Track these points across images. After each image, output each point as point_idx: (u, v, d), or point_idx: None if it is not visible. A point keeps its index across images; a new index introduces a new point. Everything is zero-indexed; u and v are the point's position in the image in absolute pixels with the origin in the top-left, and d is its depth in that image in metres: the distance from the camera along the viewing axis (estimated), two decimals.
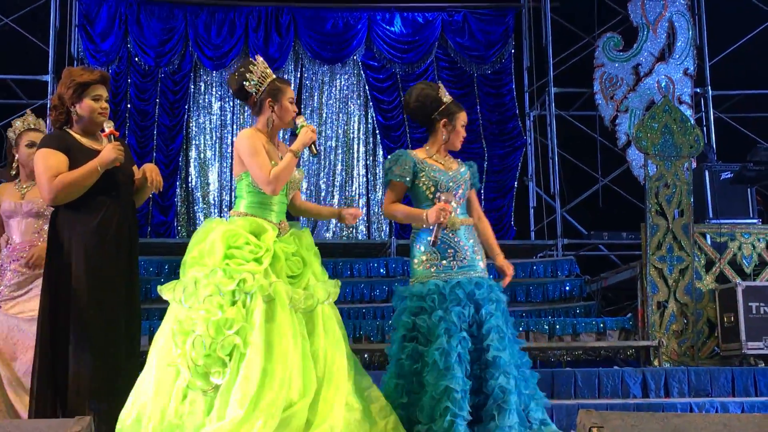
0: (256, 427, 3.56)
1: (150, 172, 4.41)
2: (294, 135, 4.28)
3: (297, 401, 3.74)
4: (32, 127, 5.01)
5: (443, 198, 4.31)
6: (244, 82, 4.19)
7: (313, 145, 4.21)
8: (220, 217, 8.39)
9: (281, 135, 4.91)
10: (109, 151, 4.20)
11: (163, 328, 3.90)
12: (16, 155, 4.96)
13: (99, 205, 4.25)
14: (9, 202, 4.82)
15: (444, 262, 4.35)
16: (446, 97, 4.53)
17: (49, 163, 4.21)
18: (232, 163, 11.70)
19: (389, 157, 4.62)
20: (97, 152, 4.26)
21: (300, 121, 4.25)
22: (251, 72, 4.19)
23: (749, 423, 2.65)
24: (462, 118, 4.55)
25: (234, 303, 3.81)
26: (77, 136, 4.36)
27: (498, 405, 4.08)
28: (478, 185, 4.75)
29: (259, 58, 4.29)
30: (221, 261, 3.89)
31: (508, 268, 4.58)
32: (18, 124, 5.04)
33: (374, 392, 4.09)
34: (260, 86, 4.20)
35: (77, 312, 4.10)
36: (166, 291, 3.95)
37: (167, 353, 3.77)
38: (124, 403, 3.87)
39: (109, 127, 4.29)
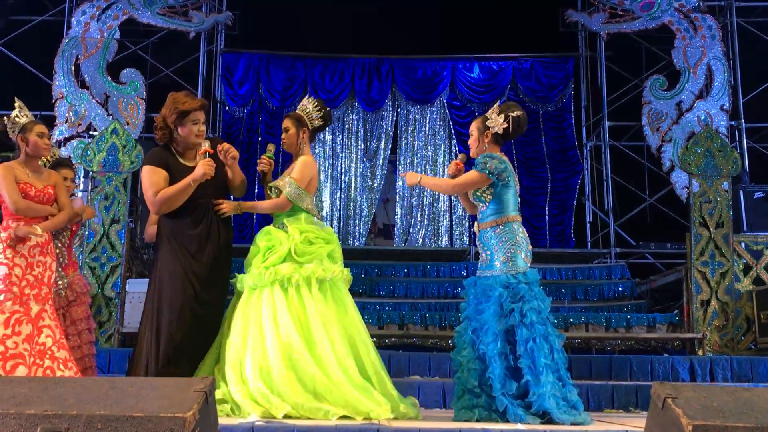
0: None
1: (220, 148, 4.10)
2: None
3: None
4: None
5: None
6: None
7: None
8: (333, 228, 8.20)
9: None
10: (200, 168, 3.97)
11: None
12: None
13: (197, 214, 4.05)
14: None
15: None
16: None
17: (153, 179, 4.01)
18: (341, 186, 11.56)
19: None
20: (191, 169, 4.03)
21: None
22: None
23: None
24: None
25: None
26: (176, 153, 4.13)
27: None
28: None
29: (310, 98, 4.41)
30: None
31: None
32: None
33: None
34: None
35: (177, 297, 3.95)
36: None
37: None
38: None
39: (205, 146, 4.03)
